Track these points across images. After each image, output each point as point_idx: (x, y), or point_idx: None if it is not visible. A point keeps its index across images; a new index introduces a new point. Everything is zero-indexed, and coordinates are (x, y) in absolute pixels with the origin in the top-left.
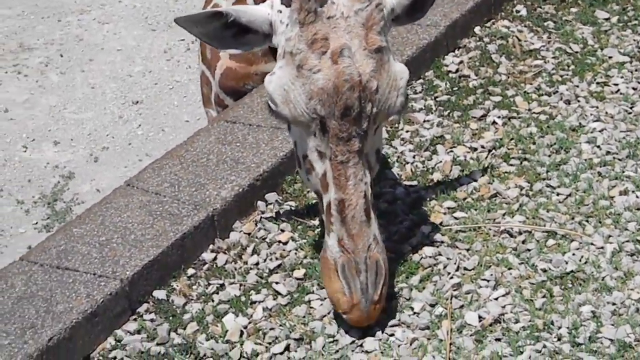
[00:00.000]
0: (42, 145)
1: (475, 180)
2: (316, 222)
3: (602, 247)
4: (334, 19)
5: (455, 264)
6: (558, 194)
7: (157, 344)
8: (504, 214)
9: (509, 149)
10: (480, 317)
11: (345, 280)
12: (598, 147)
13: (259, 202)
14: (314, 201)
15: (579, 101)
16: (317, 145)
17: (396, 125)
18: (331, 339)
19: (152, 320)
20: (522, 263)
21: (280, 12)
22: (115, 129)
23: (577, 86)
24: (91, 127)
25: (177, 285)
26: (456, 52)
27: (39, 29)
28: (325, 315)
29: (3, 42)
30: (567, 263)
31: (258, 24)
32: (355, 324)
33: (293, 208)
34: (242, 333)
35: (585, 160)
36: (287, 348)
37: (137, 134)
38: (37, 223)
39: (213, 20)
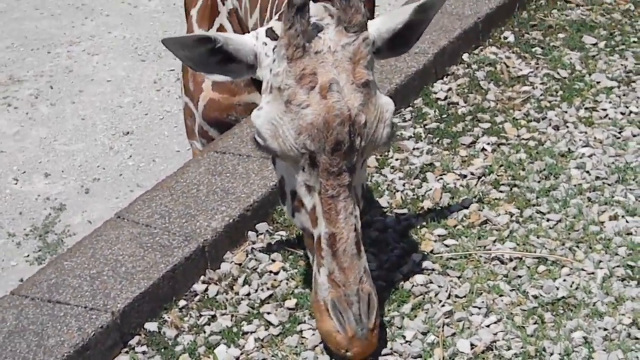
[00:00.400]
0: (32, 177)
1: (466, 208)
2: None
3: (592, 273)
4: (322, 53)
5: (446, 291)
6: (548, 220)
7: None
8: (494, 241)
9: (498, 176)
10: (472, 345)
11: (336, 317)
12: (587, 172)
13: (250, 233)
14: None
15: (567, 127)
16: (305, 180)
17: (386, 153)
18: None
19: (144, 353)
20: (513, 290)
21: (265, 44)
22: (106, 160)
23: (566, 112)
24: (82, 158)
25: (169, 317)
26: (445, 79)
27: (28, 60)
28: (317, 345)
29: None
30: (558, 289)
31: (243, 54)
32: (359, 357)
33: (284, 238)
34: None
35: (575, 185)
36: None
37: (128, 164)
38: (28, 255)
39: (199, 45)
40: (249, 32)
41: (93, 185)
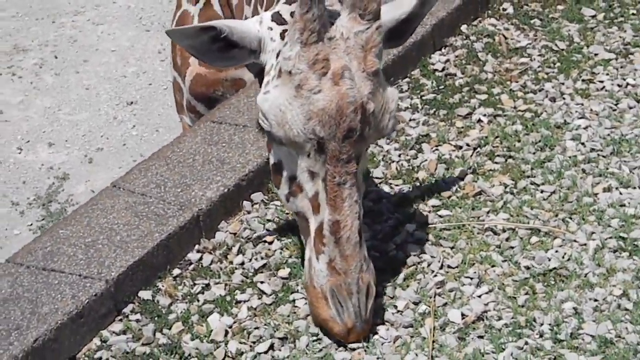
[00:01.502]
0: (36, 147)
1: (461, 179)
2: None
3: (585, 244)
4: (334, 40)
5: (439, 262)
6: (542, 192)
7: (143, 344)
8: (488, 212)
9: (494, 147)
10: (463, 315)
11: (335, 306)
12: (582, 144)
13: (245, 202)
14: None
15: (564, 98)
16: (309, 166)
17: None
18: (315, 338)
19: (137, 321)
20: (506, 260)
21: (271, 29)
22: (109, 130)
23: (563, 84)
24: (86, 128)
25: (163, 286)
26: (442, 50)
27: (33, 30)
28: (309, 314)
29: None
30: (550, 260)
31: (248, 40)
32: (352, 342)
33: (278, 208)
34: (226, 332)
35: (570, 157)
36: (272, 347)
37: (132, 134)
38: (31, 224)
39: (202, 34)
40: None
41: (96, 154)
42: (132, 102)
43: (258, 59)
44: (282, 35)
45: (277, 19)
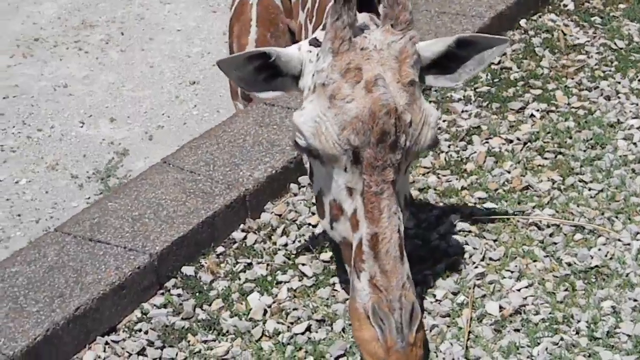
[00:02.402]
0: (98, 122)
1: (509, 172)
2: None
3: (629, 244)
4: (367, 50)
5: (481, 253)
6: (590, 189)
7: (182, 319)
8: (533, 207)
9: (544, 142)
10: (501, 307)
11: (377, 324)
12: (634, 144)
13: (292, 185)
14: None
15: (619, 97)
16: (347, 182)
17: None
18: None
19: (178, 296)
20: (548, 256)
21: (310, 52)
22: (171, 108)
23: (619, 82)
24: (148, 105)
25: (206, 263)
26: None
27: (101, 6)
28: (347, 299)
29: (66, 19)
30: (592, 258)
31: (292, 65)
32: None
33: None
34: (265, 312)
35: (620, 156)
36: (309, 328)
37: (193, 114)
38: (89, 198)
39: (248, 64)
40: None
41: (157, 132)
42: (194, 82)
43: (298, 87)
44: (319, 57)
45: (315, 43)
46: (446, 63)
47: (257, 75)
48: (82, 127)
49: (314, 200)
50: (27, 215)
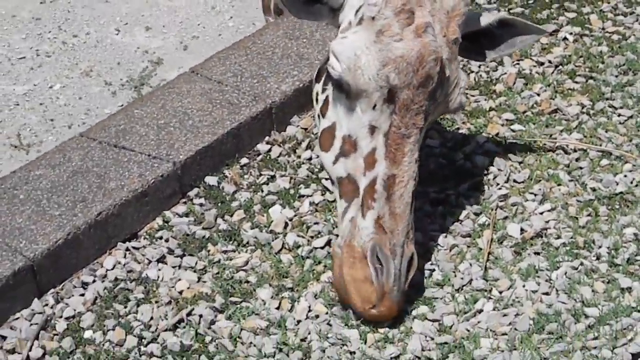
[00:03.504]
0: (134, 30)
1: (538, 95)
2: None
3: None
4: None
5: (505, 175)
6: (619, 115)
7: (203, 228)
8: (561, 131)
9: (576, 66)
10: (522, 230)
11: (373, 264)
12: None
13: None
14: None
15: None
16: (372, 120)
17: None
18: None
19: (200, 205)
20: (572, 180)
21: None
22: (207, 19)
23: None
24: (183, 15)
25: (229, 173)
26: None
27: None
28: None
29: None
30: (617, 184)
31: None
32: (380, 319)
33: None
34: (286, 225)
35: None
36: (328, 243)
37: (228, 25)
38: (122, 105)
39: None
40: None
41: (192, 42)
42: None
43: (335, 19)
44: None
45: None
46: (478, 37)
47: None
48: (117, 34)
49: (319, 134)
50: (60, 121)
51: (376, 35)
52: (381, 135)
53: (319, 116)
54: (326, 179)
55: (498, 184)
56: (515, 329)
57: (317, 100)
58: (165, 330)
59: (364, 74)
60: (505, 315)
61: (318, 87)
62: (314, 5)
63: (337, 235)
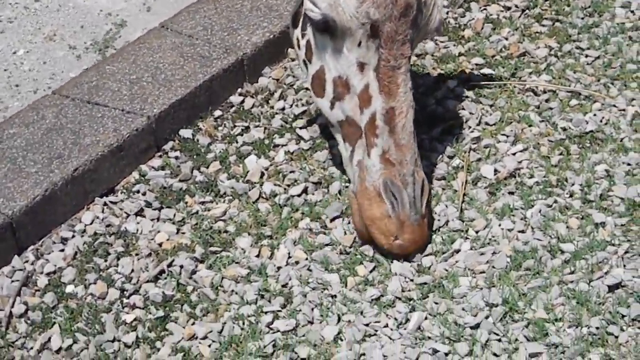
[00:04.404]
0: None
1: (506, 39)
2: None
3: (624, 110)
4: None
5: (477, 118)
6: (587, 56)
7: (180, 181)
8: (530, 73)
9: (542, 10)
10: (496, 171)
11: (389, 199)
12: (632, 11)
13: (289, 49)
14: None
15: None
16: (359, 57)
17: None
18: (347, 184)
19: (176, 158)
20: (543, 121)
21: None
22: None
23: None
24: None
25: (203, 126)
26: None
27: None
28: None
29: None
30: (587, 123)
31: None
32: (409, 249)
33: None
34: (262, 174)
35: (618, 24)
36: (305, 190)
37: None
38: (87, 68)
39: None
40: None
41: (155, 3)
42: None
43: None
44: None
45: None
46: None
47: None
48: None
49: (309, 80)
50: (25, 86)
51: None
52: (371, 71)
53: (304, 62)
54: (300, 128)
55: (470, 127)
56: (493, 267)
57: (298, 46)
58: (147, 281)
59: (344, 12)
60: (482, 254)
61: (297, 33)
62: None
63: (349, 181)
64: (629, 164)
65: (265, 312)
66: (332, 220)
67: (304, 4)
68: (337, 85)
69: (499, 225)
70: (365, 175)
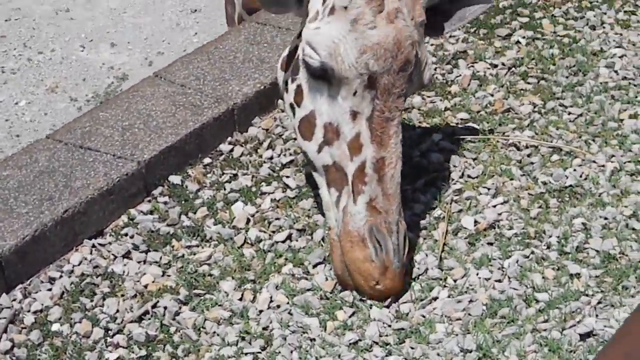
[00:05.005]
0: (99, 46)
1: (492, 95)
2: None
3: (603, 166)
4: None
5: (460, 171)
6: (569, 113)
7: (167, 225)
8: (514, 129)
9: (528, 68)
10: (476, 222)
11: (373, 244)
12: (615, 72)
13: (279, 101)
14: None
15: (604, 27)
16: (353, 106)
17: None
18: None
19: (165, 203)
20: (524, 175)
21: None
22: (171, 35)
23: (605, 13)
24: (148, 31)
25: (192, 172)
26: None
27: None
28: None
29: None
30: (567, 178)
31: None
32: (387, 293)
33: None
34: (248, 220)
35: (601, 83)
36: (289, 237)
37: (193, 41)
38: (81, 115)
39: None
40: None
41: (157, 58)
42: (195, 10)
43: (300, 9)
44: None
45: None
46: (431, 13)
47: None
48: (82, 51)
49: (295, 123)
50: (26, 136)
51: (351, 24)
52: (364, 120)
53: (291, 105)
54: (287, 177)
55: (453, 179)
56: (469, 314)
57: (286, 90)
58: (131, 322)
59: (344, 61)
60: (459, 301)
61: (287, 77)
62: None
63: (329, 228)
64: (605, 218)
65: (246, 354)
66: (314, 266)
67: (302, 50)
68: (328, 130)
69: (477, 274)
70: (349, 220)
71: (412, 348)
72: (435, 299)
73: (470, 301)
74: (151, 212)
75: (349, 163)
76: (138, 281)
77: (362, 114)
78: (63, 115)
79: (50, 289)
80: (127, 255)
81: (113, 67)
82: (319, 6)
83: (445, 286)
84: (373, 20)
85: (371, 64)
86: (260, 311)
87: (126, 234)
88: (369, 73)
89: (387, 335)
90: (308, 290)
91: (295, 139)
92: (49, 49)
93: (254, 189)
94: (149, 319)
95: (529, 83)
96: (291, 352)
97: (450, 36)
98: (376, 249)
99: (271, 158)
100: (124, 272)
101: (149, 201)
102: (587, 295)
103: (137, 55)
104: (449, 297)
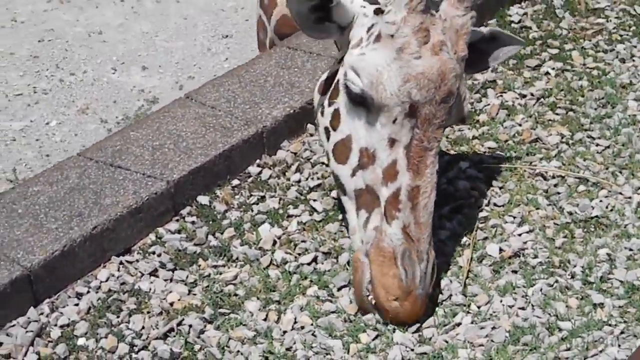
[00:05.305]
0: (130, 69)
1: (520, 125)
2: None
3: (629, 197)
4: (435, 17)
5: (486, 199)
6: (597, 145)
7: (195, 244)
8: (541, 159)
9: (557, 99)
10: (501, 250)
11: (404, 267)
12: None
13: (309, 125)
14: None
15: (634, 60)
16: (392, 133)
17: None
18: None
19: (192, 223)
20: (550, 205)
21: (364, 7)
22: (202, 60)
23: (635, 46)
24: (180, 56)
25: (221, 193)
26: (522, 4)
27: None
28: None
29: None
30: (593, 208)
31: (345, 15)
32: (402, 316)
33: None
34: (275, 242)
35: (630, 116)
36: (315, 260)
37: (224, 66)
38: (112, 134)
39: (308, 1)
40: None
41: (187, 82)
42: (227, 36)
43: (343, 36)
44: (376, 12)
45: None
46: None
47: (311, 14)
48: (114, 73)
49: (329, 146)
50: (56, 156)
51: (396, 53)
52: (402, 148)
53: (326, 129)
54: (314, 200)
55: (479, 207)
56: (492, 341)
57: (322, 113)
58: (156, 338)
59: (386, 89)
60: (482, 328)
61: (323, 100)
62: (324, 23)
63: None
64: (630, 249)
65: None
66: (339, 289)
67: (345, 74)
68: (363, 155)
69: (501, 301)
70: (384, 238)
71: None
72: (459, 324)
73: (493, 328)
74: (179, 232)
75: (382, 188)
76: (164, 299)
77: (400, 141)
78: (93, 136)
79: (77, 304)
80: (154, 273)
81: (144, 90)
82: (363, 33)
83: (468, 312)
84: (418, 50)
85: (414, 93)
86: (284, 332)
87: (153, 252)
88: (411, 102)
89: (409, 359)
90: (332, 312)
91: (323, 163)
92: (81, 70)
93: (281, 212)
94: (174, 336)
95: (557, 114)
96: None
97: None
98: (407, 272)
99: (299, 181)
100: (150, 289)
101: (177, 220)
102: (610, 325)
103: (167, 79)
104: (472, 323)
